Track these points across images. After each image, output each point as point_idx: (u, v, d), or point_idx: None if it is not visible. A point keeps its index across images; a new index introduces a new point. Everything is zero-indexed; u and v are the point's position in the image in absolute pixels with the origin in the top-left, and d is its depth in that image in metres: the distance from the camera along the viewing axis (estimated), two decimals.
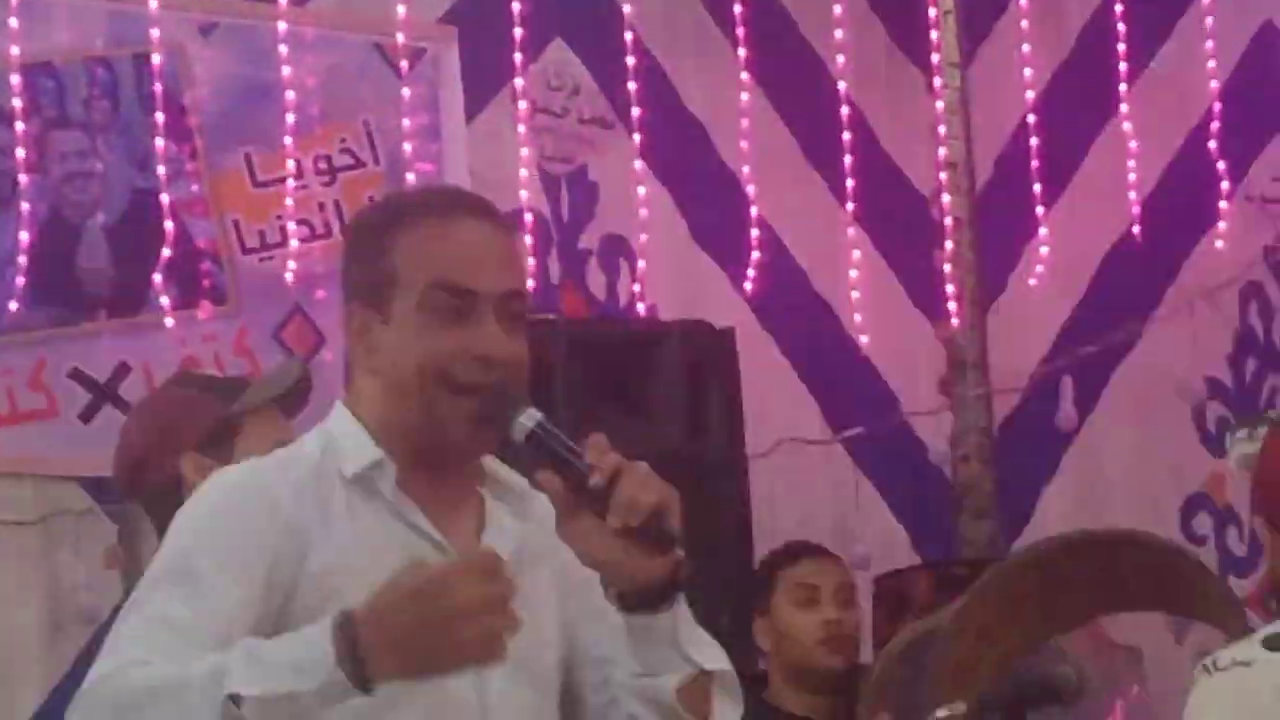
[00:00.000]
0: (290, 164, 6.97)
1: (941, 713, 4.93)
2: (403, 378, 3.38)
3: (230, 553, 3.27)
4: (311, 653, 3.06)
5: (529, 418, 3.31)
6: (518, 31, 7.31)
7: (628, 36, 7.52)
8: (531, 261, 7.30)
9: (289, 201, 6.95)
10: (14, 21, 6.61)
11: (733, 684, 3.44)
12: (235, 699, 3.02)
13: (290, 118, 6.94)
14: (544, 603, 3.44)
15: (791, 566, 6.34)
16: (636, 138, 7.55)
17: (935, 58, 8.11)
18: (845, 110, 7.90)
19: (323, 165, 7.06)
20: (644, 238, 7.57)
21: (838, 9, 7.86)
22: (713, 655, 3.41)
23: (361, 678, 3.05)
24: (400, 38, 7.13)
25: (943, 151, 8.11)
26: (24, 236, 6.58)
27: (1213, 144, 8.27)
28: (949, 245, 8.09)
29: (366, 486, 3.39)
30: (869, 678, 5.92)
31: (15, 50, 6.61)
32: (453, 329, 3.36)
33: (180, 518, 3.36)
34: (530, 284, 7.16)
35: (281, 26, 6.93)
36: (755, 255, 7.69)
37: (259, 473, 3.43)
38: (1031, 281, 8.16)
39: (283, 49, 6.94)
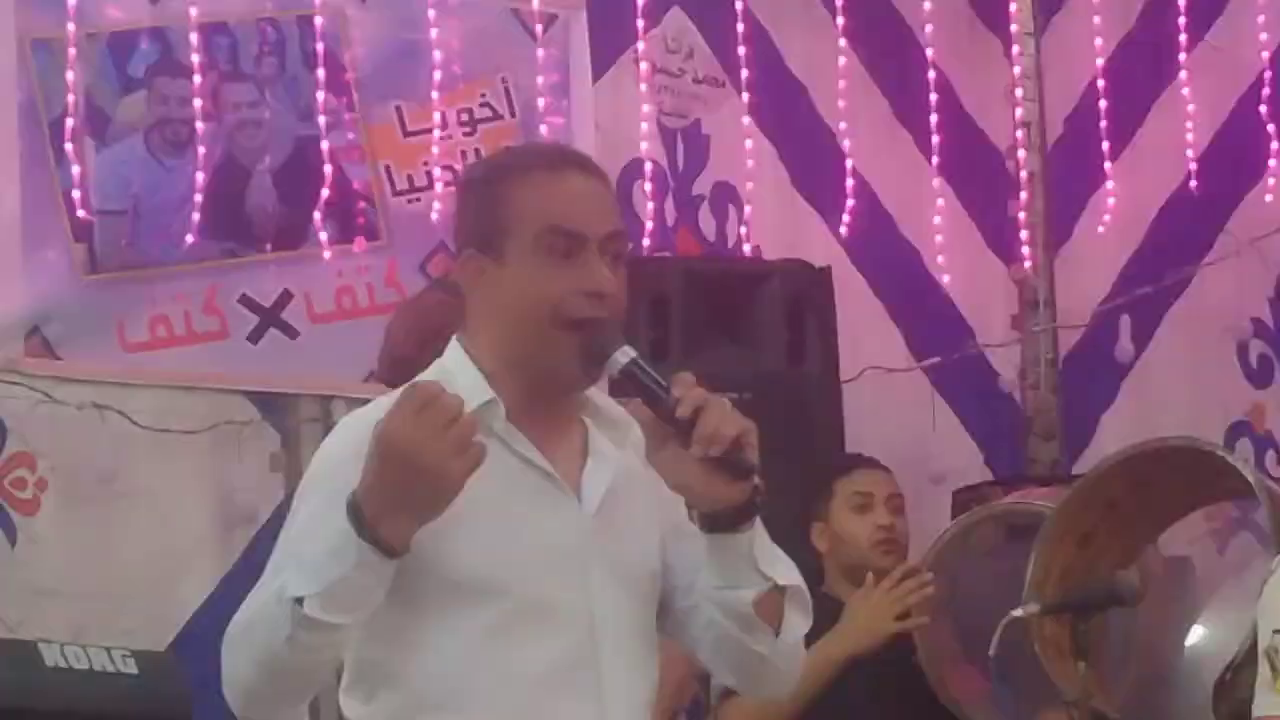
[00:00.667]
0: (436, 116, 6.97)
1: (1018, 612, 4.92)
2: (518, 315, 3.35)
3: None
4: (340, 539, 3.10)
5: (624, 354, 3.29)
6: (640, 1, 7.29)
7: (738, 6, 7.51)
8: (650, 206, 7.33)
9: (435, 150, 6.96)
10: None
11: (803, 598, 3.44)
12: (299, 602, 3.08)
13: (436, 75, 6.95)
14: (644, 519, 3.44)
15: (848, 476, 6.30)
16: (745, 96, 7.54)
17: (1013, 28, 8.09)
18: (931, 74, 7.89)
19: (465, 118, 7.05)
20: (750, 185, 7.57)
21: None
22: (786, 572, 3.40)
23: (383, 544, 3.10)
24: (535, 4, 7.14)
25: (1019, 112, 8.10)
26: (200, 178, 6.60)
27: (1262, 107, 8.20)
28: (1023, 196, 8.08)
29: (480, 421, 3.28)
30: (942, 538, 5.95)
31: (194, 11, 6.62)
32: (564, 268, 3.33)
33: (312, 467, 3.39)
34: (650, 225, 7.25)
35: None
36: (849, 203, 7.68)
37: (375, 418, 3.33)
38: (1099, 229, 8.14)
39: (430, 14, 6.94)
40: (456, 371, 3.38)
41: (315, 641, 3.13)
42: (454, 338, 3.44)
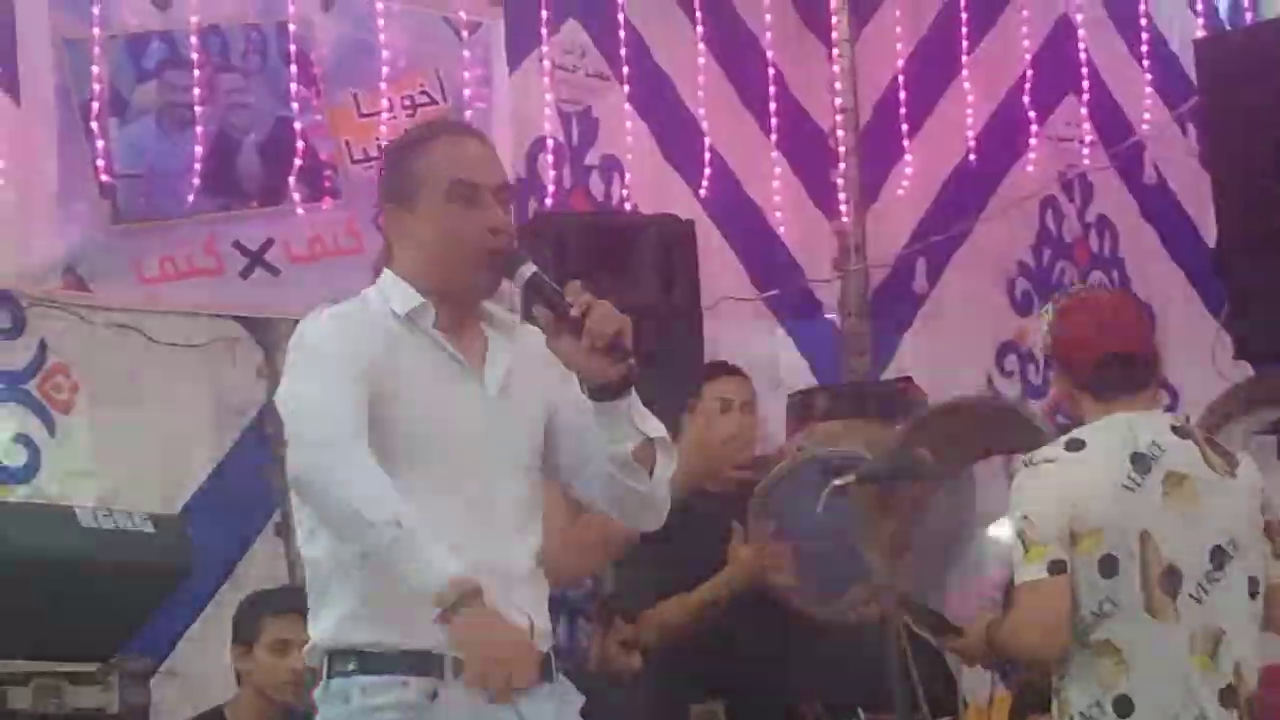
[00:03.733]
0: (384, 101, 6.91)
1: (838, 481, 4.87)
2: (439, 249, 3.41)
3: (343, 349, 3.36)
4: (432, 584, 3.17)
5: (528, 268, 3.36)
6: (544, 13, 7.27)
7: (619, 17, 7.48)
8: (552, 173, 7.29)
9: (383, 128, 6.88)
10: None
11: (668, 445, 3.50)
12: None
13: (384, 69, 6.89)
14: (533, 396, 3.50)
15: (714, 381, 6.10)
16: (625, 88, 7.51)
17: (834, 34, 8.08)
18: (770, 70, 7.88)
19: (407, 102, 6.98)
20: (630, 157, 7.52)
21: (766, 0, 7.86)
22: (655, 427, 3.46)
23: (443, 619, 3.16)
24: (463, 13, 7.07)
25: (838, 100, 8.08)
26: (199, 149, 6.54)
27: (1025, 98, 8.31)
28: (841, 165, 8.07)
29: (413, 322, 3.42)
30: (760, 490, 5.75)
31: (194, 18, 6.56)
32: (469, 211, 3.40)
33: (302, 338, 3.42)
34: (552, 188, 7.22)
35: (379, 4, 6.87)
36: (707, 170, 7.65)
37: (346, 312, 3.46)
38: (900, 192, 8.16)
39: (380, 20, 6.87)
40: (390, 290, 3.45)
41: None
42: (385, 270, 3.49)
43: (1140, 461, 4.45)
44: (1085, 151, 8.55)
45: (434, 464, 3.36)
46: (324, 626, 3.39)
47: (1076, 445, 4.50)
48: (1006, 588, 4.60)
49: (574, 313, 3.30)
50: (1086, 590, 4.40)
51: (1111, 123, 8.59)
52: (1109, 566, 4.39)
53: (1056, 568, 4.37)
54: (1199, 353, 7.35)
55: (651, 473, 3.46)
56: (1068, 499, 4.40)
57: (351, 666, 3.34)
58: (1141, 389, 4.61)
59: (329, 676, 3.36)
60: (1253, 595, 4.51)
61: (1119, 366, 4.56)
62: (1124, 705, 4.37)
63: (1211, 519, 4.44)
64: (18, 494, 5.98)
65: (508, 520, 3.44)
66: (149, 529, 4.95)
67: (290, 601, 5.65)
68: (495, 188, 3.45)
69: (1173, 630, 4.38)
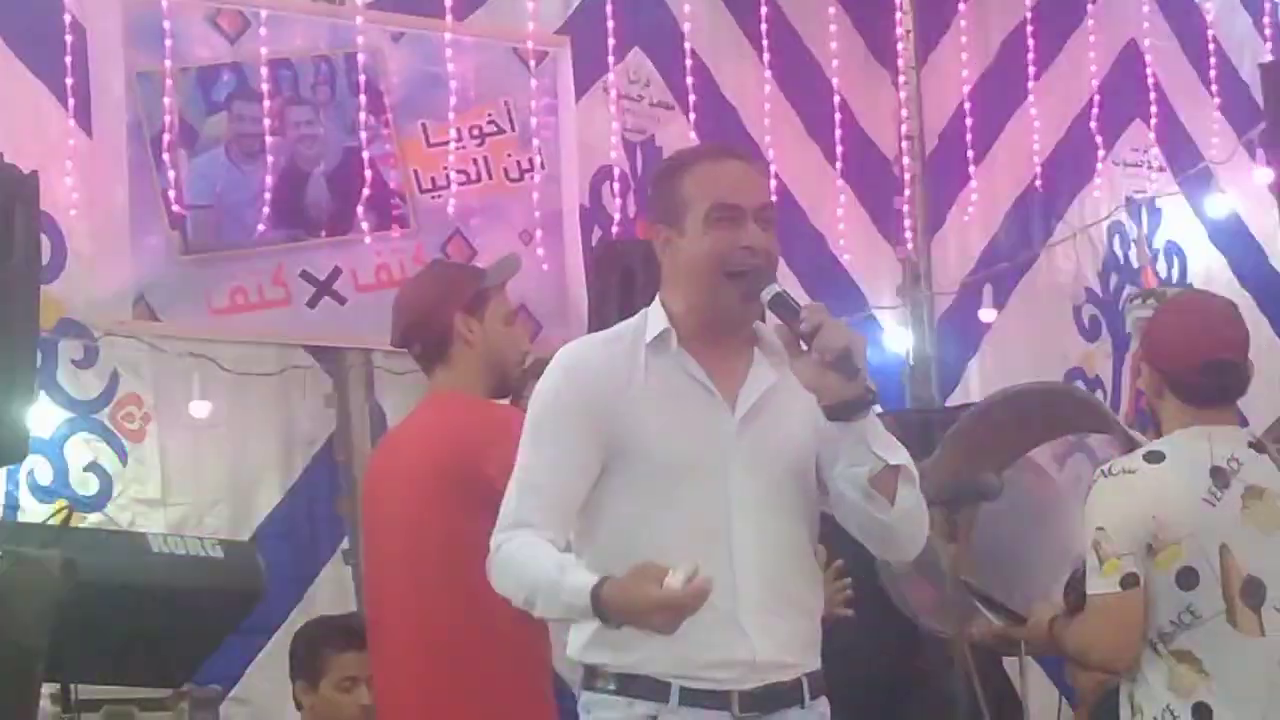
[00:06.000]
0: (453, 131, 6.96)
1: None
2: (697, 270, 3.47)
3: (562, 419, 3.48)
4: (580, 600, 3.31)
5: (769, 290, 3.41)
6: (610, 42, 7.30)
7: (685, 45, 7.51)
8: (617, 201, 7.32)
9: (451, 157, 6.95)
10: (263, 31, 6.64)
11: (911, 474, 3.49)
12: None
13: (453, 99, 6.93)
14: (794, 424, 3.53)
15: None
16: (690, 116, 7.52)
17: (899, 63, 8.12)
18: (836, 99, 7.89)
19: (475, 132, 7.04)
20: None
21: (833, 27, 7.86)
22: (897, 454, 3.46)
23: (603, 617, 3.30)
24: (530, 44, 7.12)
25: (903, 128, 8.13)
26: (269, 180, 6.60)
27: (1092, 124, 8.28)
28: (906, 193, 8.11)
29: (659, 347, 3.50)
30: None
31: (264, 50, 6.63)
32: (728, 232, 3.45)
33: (536, 392, 3.57)
34: (617, 216, 7.25)
35: (448, 36, 6.91)
36: (771, 199, 7.59)
37: (587, 347, 3.60)
38: (965, 219, 8.17)
39: (449, 51, 6.92)
40: (650, 313, 3.56)
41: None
42: (657, 295, 3.61)
43: (1219, 475, 4.44)
44: (1153, 177, 8.54)
45: (670, 488, 3.45)
46: (575, 642, 3.58)
47: (1156, 457, 4.49)
48: (1067, 587, 4.62)
49: (804, 329, 3.34)
50: (1165, 601, 4.39)
51: (1179, 148, 8.58)
52: (1188, 578, 4.38)
53: (1130, 581, 4.37)
54: (1266, 377, 7.30)
55: (893, 501, 3.45)
56: (1148, 511, 4.39)
57: (592, 683, 3.54)
58: (1232, 400, 4.60)
59: (582, 688, 3.59)
60: None
61: (1218, 374, 4.54)
62: (1203, 713, 4.37)
63: None
64: (89, 521, 6.05)
65: (743, 545, 3.47)
66: (219, 554, 5.00)
67: (351, 637, 5.67)
68: (757, 208, 3.51)
69: (1259, 644, 4.37)
